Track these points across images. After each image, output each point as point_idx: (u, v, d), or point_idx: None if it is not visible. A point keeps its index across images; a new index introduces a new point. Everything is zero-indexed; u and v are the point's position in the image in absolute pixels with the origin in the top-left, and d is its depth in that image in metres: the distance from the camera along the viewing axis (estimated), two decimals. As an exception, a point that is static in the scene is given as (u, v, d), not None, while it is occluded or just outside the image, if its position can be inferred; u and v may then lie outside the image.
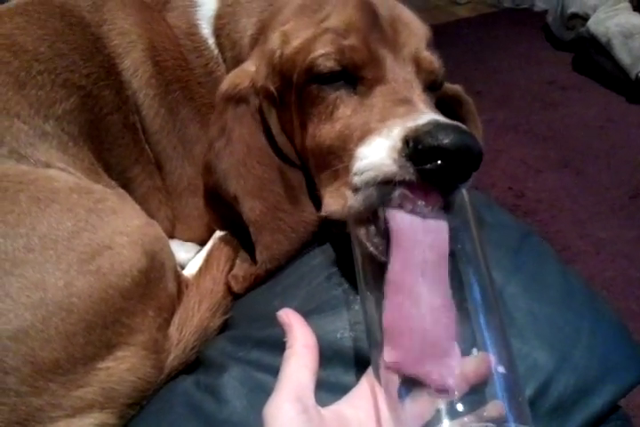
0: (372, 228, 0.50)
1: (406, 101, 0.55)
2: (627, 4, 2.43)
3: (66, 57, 0.71)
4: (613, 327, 0.59)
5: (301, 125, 0.63)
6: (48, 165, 0.65)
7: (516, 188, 1.85)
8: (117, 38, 0.76)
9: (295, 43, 0.61)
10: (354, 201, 0.52)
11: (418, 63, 0.60)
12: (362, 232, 0.51)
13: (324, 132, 0.59)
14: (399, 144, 0.49)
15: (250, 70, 0.65)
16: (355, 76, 0.58)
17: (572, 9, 2.60)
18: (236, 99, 0.65)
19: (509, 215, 0.70)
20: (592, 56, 2.45)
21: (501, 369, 0.41)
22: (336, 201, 0.56)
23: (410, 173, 0.47)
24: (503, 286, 0.58)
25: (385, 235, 0.48)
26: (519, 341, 0.54)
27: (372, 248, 0.49)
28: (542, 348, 0.54)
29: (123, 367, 0.55)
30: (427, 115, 0.51)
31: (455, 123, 0.49)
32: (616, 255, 1.59)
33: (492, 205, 0.70)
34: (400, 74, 0.58)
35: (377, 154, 0.50)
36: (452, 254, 0.47)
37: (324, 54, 0.58)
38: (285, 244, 0.63)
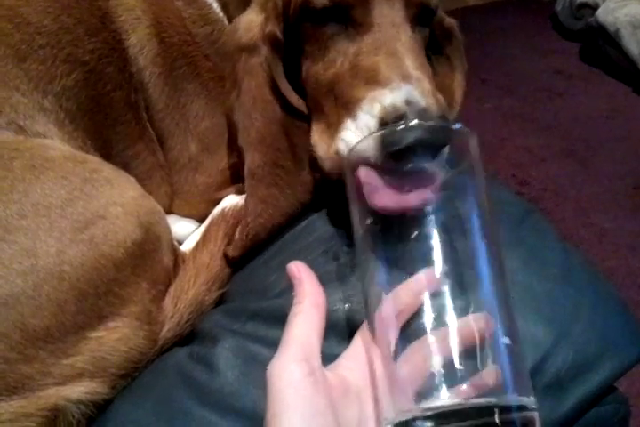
0: None
1: (390, 55, 0.55)
2: (637, -6, 2.40)
3: (70, 31, 0.69)
4: (614, 305, 0.58)
5: (300, 61, 0.64)
6: (45, 138, 0.63)
7: (519, 176, 1.84)
8: (124, 14, 0.74)
9: None
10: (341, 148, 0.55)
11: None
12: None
13: (318, 76, 0.61)
14: (376, 126, 0.51)
15: (259, 18, 0.65)
16: (345, 16, 0.58)
17: (582, -2, 2.57)
18: (248, 49, 0.64)
19: (511, 192, 0.69)
20: (600, 46, 2.42)
21: (507, 341, 0.39)
22: (323, 140, 0.60)
23: (390, 164, 0.48)
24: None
25: None
26: (516, 316, 0.53)
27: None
28: (540, 323, 0.53)
29: (114, 337, 0.55)
30: (404, 86, 0.52)
31: (427, 105, 0.50)
32: (619, 245, 1.57)
33: (493, 181, 0.69)
34: (388, 16, 0.57)
35: (360, 136, 0.52)
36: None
37: None
38: (281, 199, 0.64)
